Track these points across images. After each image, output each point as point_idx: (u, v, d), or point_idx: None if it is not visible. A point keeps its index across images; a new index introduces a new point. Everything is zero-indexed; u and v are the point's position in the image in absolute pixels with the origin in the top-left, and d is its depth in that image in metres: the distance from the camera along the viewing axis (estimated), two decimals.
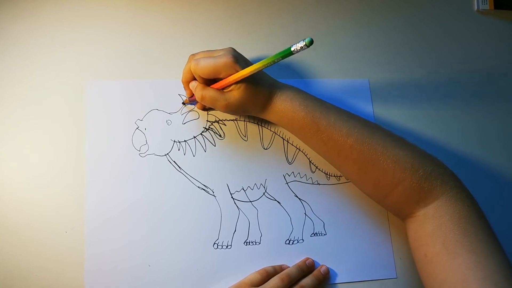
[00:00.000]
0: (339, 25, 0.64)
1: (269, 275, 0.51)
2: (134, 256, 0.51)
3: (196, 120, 0.56)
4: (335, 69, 0.62)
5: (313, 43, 0.39)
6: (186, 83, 0.53)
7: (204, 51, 0.51)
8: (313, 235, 0.56)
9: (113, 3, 0.59)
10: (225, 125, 0.57)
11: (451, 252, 0.42)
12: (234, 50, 0.49)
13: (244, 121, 0.58)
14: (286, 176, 0.57)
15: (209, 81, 0.50)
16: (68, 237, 0.50)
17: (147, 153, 0.54)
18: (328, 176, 0.58)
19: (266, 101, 0.50)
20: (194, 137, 0.56)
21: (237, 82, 0.48)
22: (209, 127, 0.57)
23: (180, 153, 0.55)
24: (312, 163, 0.58)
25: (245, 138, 0.57)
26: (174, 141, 0.55)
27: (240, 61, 0.47)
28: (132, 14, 0.59)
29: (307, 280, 0.52)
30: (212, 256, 0.53)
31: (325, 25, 0.63)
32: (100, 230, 0.51)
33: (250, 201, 0.56)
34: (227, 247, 0.54)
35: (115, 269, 0.50)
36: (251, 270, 0.52)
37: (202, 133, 0.56)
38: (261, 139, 0.58)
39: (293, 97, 0.50)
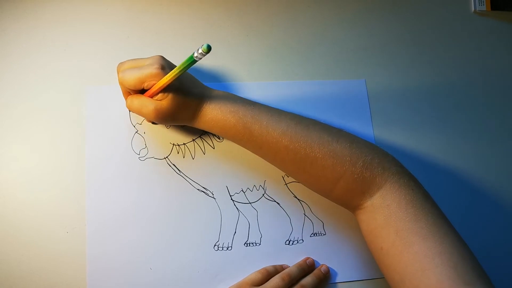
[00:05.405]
0: (336, 25, 0.64)
1: (269, 274, 0.51)
2: (135, 258, 0.51)
3: None
4: (331, 70, 0.62)
5: (211, 49, 0.37)
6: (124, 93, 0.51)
7: (131, 60, 0.49)
8: (312, 235, 0.56)
9: (113, 5, 0.59)
10: None
11: (405, 241, 0.42)
12: (162, 58, 0.47)
13: None
14: (285, 177, 0.57)
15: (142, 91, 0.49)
16: (69, 237, 0.51)
17: (146, 156, 0.55)
18: None
19: (195, 111, 0.49)
20: (193, 140, 0.56)
21: (163, 91, 0.46)
22: None
23: (180, 156, 0.56)
24: None
25: None
26: (173, 144, 0.56)
27: (166, 70, 0.46)
28: (131, 17, 0.59)
29: (307, 279, 0.52)
30: (213, 258, 0.53)
31: (322, 26, 0.64)
32: (101, 232, 0.51)
33: (250, 203, 0.56)
34: (227, 248, 0.54)
35: (117, 270, 0.51)
36: (252, 271, 0.53)
37: (201, 136, 0.57)
38: None
39: (223, 104, 0.49)
